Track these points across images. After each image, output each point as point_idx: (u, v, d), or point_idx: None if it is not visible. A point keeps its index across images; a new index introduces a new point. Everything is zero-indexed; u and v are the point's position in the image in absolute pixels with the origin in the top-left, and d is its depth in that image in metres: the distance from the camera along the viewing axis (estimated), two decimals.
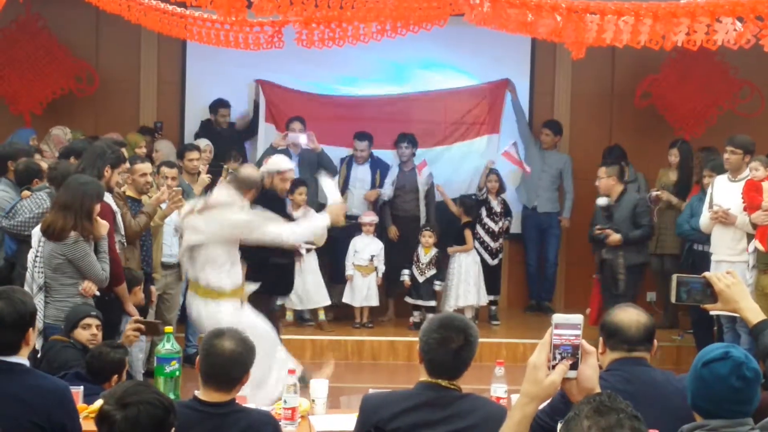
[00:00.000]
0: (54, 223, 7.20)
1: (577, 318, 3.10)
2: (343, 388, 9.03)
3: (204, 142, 11.09)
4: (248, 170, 8.45)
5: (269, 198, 8.64)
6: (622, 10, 5.85)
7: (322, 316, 11.39)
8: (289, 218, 8.99)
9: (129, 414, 3.30)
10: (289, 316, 11.38)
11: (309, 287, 11.09)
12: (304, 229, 8.44)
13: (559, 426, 2.92)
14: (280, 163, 9.06)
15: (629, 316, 4.63)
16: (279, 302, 10.55)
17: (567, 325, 3.08)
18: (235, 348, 4.40)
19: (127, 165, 8.47)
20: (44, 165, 8.83)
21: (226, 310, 7.75)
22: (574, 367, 3.07)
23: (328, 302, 11.29)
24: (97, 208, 7.25)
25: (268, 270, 8.62)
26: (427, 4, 6.34)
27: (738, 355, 3.61)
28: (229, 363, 4.38)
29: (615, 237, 10.04)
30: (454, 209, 11.70)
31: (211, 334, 4.54)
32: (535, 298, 12.49)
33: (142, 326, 6.83)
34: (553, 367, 3.06)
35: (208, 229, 7.85)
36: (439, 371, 4.46)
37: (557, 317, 3.09)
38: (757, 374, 3.62)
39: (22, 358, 4.42)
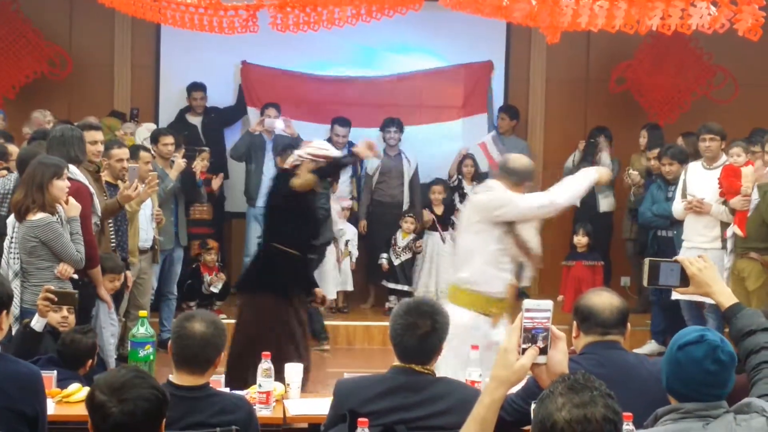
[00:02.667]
0: (14, 199, 7.30)
1: (547, 303, 3.12)
2: (317, 373, 9.02)
3: (144, 133, 10.95)
4: (520, 160, 7.28)
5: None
6: None
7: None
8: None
9: (126, 408, 3.28)
10: None
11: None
12: (575, 187, 7.31)
13: (533, 405, 2.94)
14: (329, 149, 8.04)
15: (603, 299, 4.64)
16: None
17: (537, 309, 3.10)
18: (205, 330, 4.38)
19: (100, 147, 8.38)
20: (14, 148, 8.76)
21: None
22: (544, 352, 3.09)
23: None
24: (56, 182, 7.17)
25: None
26: None
27: (713, 338, 3.61)
28: (200, 345, 4.36)
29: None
30: None
31: (181, 317, 4.53)
32: None
33: (53, 296, 6.59)
34: (523, 351, 3.08)
35: None
36: (409, 356, 4.47)
37: (528, 302, 3.12)
38: (732, 358, 3.63)
39: None
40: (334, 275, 11.23)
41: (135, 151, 9.03)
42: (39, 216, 7.14)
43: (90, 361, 6.14)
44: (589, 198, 11.64)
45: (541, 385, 3.08)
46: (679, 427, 3.56)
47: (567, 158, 11.82)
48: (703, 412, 3.55)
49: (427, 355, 4.47)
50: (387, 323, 4.66)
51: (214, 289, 10.88)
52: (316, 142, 7.87)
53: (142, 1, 8.14)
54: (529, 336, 3.08)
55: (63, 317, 6.61)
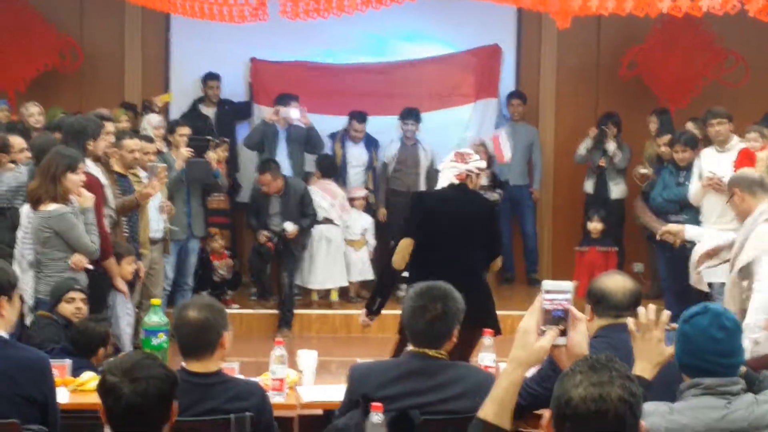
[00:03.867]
0: (30, 187, 7.36)
1: (567, 284, 3.10)
2: (331, 361, 9.02)
3: (156, 119, 10.92)
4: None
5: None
6: None
7: (334, 296, 11.37)
8: None
9: (138, 388, 3.29)
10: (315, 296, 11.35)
11: (329, 265, 11.19)
12: None
13: (557, 383, 2.93)
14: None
15: (616, 282, 4.65)
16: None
17: (557, 290, 3.08)
18: (200, 315, 4.40)
19: (111, 138, 8.41)
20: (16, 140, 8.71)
21: None
22: (563, 333, 3.07)
23: (345, 283, 11.33)
24: (70, 176, 7.20)
25: None
26: None
27: (716, 307, 3.74)
28: (198, 331, 4.38)
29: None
30: None
31: (177, 308, 4.57)
32: (510, 270, 12.44)
33: None
34: (543, 332, 3.06)
35: None
36: (419, 340, 4.47)
37: (547, 283, 3.09)
38: (737, 325, 3.73)
39: None
40: (354, 265, 11.30)
41: (121, 137, 8.95)
42: (52, 207, 7.17)
43: (102, 349, 6.16)
44: (601, 185, 11.67)
45: (561, 367, 3.07)
46: (703, 402, 3.63)
47: (577, 145, 11.81)
48: (722, 387, 3.63)
49: (437, 339, 4.46)
50: (400, 312, 4.66)
51: (223, 273, 10.88)
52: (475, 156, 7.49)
53: None
54: (549, 317, 3.06)
55: (77, 308, 6.66)
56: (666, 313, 3.90)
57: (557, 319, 3.06)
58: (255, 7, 7.93)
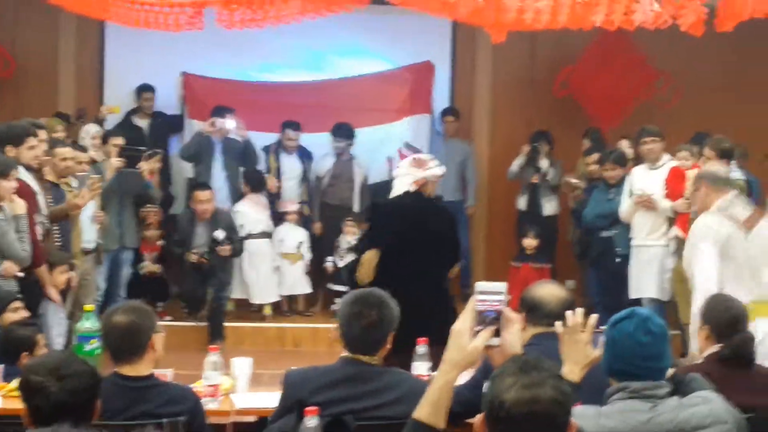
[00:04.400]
0: None
1: (500, 285, 3.12)
2: (263, 373, 8.98)
3: (94, 128, 10.85)
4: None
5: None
6: None
7: (268, 311, 11.34)
8: None
9: (67, 386, 3.28)
10: (231, 306, 11.25)
11: (262, 280, 11.19)
12: None
13: (486, 384, 2.95)
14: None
15: (549, 291, 4.70)
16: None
17: (490, 292, 3.10)
18: (127, 318, 4.38)
19: (44, 146, 8.29)
20: None
21: None
22: (497, 334, 3.10)
23: (277, 297, 11.34)
24: (2, 182, 7.10)
25: None
26: None
27: (642, 312, 3.79)
28: (126, 333, 4.37)
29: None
30: None
31: (107, 312, 4.53)
32: None
33: None
34: (477, 333, 3.08)
35: None
36: (354, 346, 4.47)
37: (480, 285, 3.12)
38: (662, 329, 3.80)
39: None
40: (288, 278, 11.30)
41: (54, 145, 8.87)
42: None
43: (26, 353, 6.08)
44: (534, 202, 11.78)
45: (495, 368, 3.10)
46: (627, 405, 3.66)
47: (512, 160, 11.91)
48: (648, 391, 3.67)
49: (372, 345, 4.46)
50: (334, 325, 4.66)
51: (146, 266, 10.83)
52: (433, 163, 7.42)
53: None
54: (483, 318, 3.08)
55: (22, 318, 6.59)
56: (593, 317, 3.97)
57: (491, 320, 3.09)
58: (191, 15, 7.89)
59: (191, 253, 10.48)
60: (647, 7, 5.46)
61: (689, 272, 7.12)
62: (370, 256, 7.04)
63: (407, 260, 6.98)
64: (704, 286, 6.74)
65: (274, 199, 11.55)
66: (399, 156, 11.86)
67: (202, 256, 10.47)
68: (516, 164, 11.88)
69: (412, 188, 7.15)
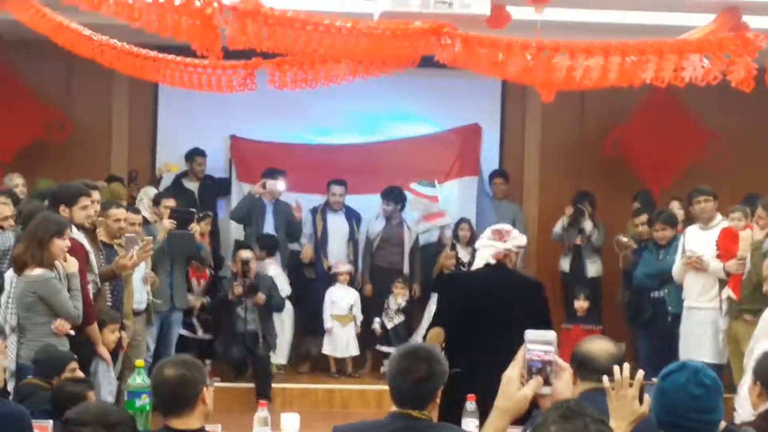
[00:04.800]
0: (15, 252, 7.34)
1: (550, 334, 3.12)
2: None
3: (153, 191, 10.97)
4: None
5: None
6: (592, 49, 5.93)
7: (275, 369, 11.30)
8: None
9: None
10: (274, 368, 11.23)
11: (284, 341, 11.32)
12: None
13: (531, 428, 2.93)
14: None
15: (599, 346, 4.65)
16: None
17: (540, 341, 3.10)
18: (177, 371, 4.37)
19: (96, 206, 8.38)
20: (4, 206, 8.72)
21: None
22: (548, 383, 3.08)
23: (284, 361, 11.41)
24: (56, 241, 7.19)
25: None
26: (399, 43, 6.39)
27: (694, 364, 3.71)
28: (176, 386, 4.33)
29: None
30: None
31: (156, 367, 4.52)
32: None
33: None
34: (526, 382, 3.07)
35: None
36: (403, 400, 4.43)
37: (530, 333, 3.11)
38: (715, 382, 3.72)
39: None
40: (340, 340, 11.38)
41: (108, 207, 8.96)
42: (37, 272, 7.15)
43: None
44: (578, 263, 11.73)
45: None
46: None
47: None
48: None
49: (422, 400, 4.44)
50: (381, 386, 4.64)
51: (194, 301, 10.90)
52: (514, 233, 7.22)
53: (141, 61, 8.19)
54: (533, 367, 3.07)
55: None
56: (641, 372, 3.91)
57: (540, 368, 3.08)
58: (243, 77, 7.99)
59: (237, 285, 10.64)
60: (697, 63, 5.46)
61: None
62: (433, 335, 6.87)
63: (481, 335, 6.71)
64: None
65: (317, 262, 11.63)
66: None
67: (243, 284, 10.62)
68: (559, 225, 11.90)
69: (492, 261, 6.97)
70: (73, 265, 7.35)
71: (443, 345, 6.77)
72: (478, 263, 7.07)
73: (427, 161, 12.57)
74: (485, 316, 6.78)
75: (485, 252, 7.00)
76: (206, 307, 11.06)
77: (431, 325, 7.03)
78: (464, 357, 6.42)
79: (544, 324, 6.85)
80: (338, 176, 11.90)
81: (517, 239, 7.07)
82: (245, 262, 10.68)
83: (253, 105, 11.55)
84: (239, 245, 11.12)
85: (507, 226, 7.30)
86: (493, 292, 6.89)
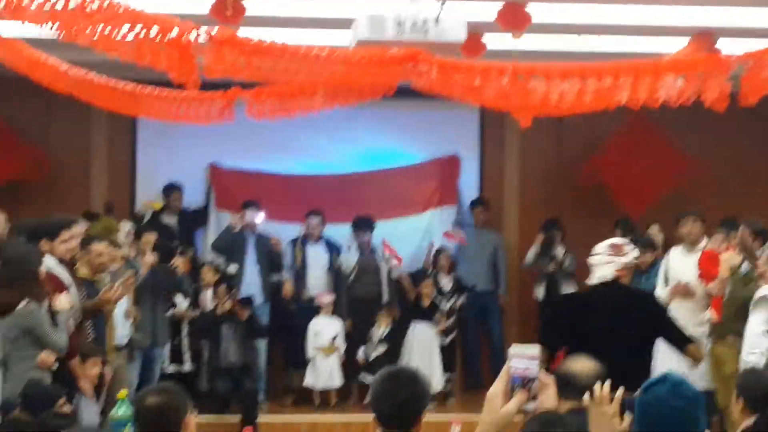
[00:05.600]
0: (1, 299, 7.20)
1: (534, 349, 3.10)
2: None
3: (128, 225, 10.95)
4: None
5: None
6: (567, 72, 5.97)
7: None
8: None
9: None
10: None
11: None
12: None
13: None
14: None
15: (581, 365, 4.67)
16: None
17: (523, 356, 3.08)
18: (159, 398, 4.35)
19: (76, 240, 8.35)
20: None
21: None
22: (532, 398, 3.07)
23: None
24: (42, 271, 7.19)
25: None
26: (375, 70, 6.42)
27: (676, 376, 3.71)
28: (158, 413, 4.32)
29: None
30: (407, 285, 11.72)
31: (138, 396, 4.50)
32: (479, 377, 12.31)
33: None
34: (511, 397, 3.06)
35: None
36: (387, 422, 4.43)
37: (514, 348, 3.10)
38: (696, 395, 3.71)
39: None
40: (323, 371, 11.33)
41: (89, 242, 8.92)
42: (23, 304, 7.12)
43: None
44: (552, 290, 11.79)
45: None
46: None
47: None
48: None
49: (406, 422, 4.44)
50: (366, 417, 4.62)
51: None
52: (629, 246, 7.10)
53: (119, 94, 8.20)
54: (517, 382, 3.06)
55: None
56: (620, 390, 3.90)
57: (524, 383, 3.07)
58: (221, 107, 8.00)
59: (223, 301, 10.75)
60: (672, 84, 5.51)
61: None
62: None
63: (606, 356, 6.51)
64: (749, 358, 6.73)
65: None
66: (447, 237, 12.05)
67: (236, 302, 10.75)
68: (531, 253, 11.99)
69: (610, 278, 6.83)
70: (64, 302, 7.33)
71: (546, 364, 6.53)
72: (598, 279, 6.92)
73: (405, 192, 12.62)
74: (607, 335, 6.59)
75: (605, 269, 6.86)
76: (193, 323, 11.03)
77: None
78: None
79: (683, 338, 6.86)
80: (316, 206, 11.92)
81: (633, 252, 6.99)
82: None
83: (232, 135, 11.57)
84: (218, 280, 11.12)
85: (621, 240, 7.24)
86: (615, 310, 6.76)
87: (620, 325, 6.69)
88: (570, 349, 6.50)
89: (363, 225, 11.79)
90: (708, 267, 9.35)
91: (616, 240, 7.18)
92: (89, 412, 7.85)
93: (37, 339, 7.14)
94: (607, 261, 6.84)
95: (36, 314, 7.14)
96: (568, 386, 4.59)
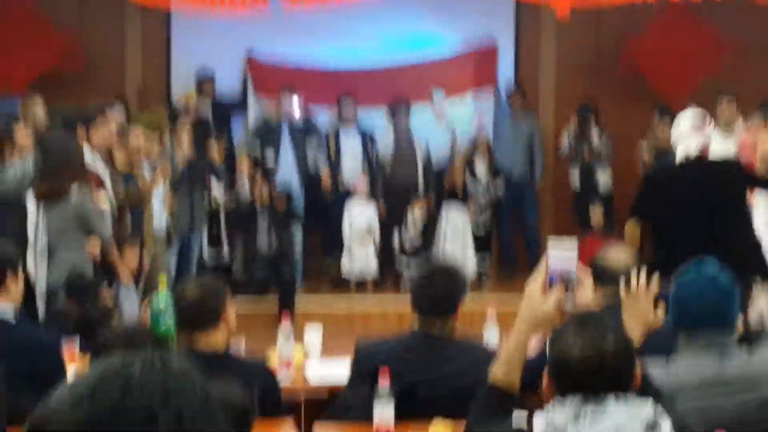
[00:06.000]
0: (50, 188, 7.24)
1: (571, 243, 3.10)
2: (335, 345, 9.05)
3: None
4: None
5: None
6: None
7: None
8: None
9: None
10: None
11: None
12: None
13: (548, 339, 2.96)
14: None
15: (616, 254, 4.69)
16: None
17: (561, 251, 3.07)
18: (199, 289, 4.40)
19: (112, 127, 8.36)
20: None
21: None
22: (570, 294, 3.06)
23: None
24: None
25: None
26: None
27: (711, 269, 3.80)
28: (198, 303, 4.37)
29: None
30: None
31: (178, 288, 4.57)
32: (514, 262, 12.34)
33: None
34: (549, 292, 3.06)
35: None
36: (427, 311, 4.48)
37: (552, 242, 3.10)
38: (730, 287, 3.78)
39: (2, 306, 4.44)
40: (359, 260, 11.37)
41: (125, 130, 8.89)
42: (76, 193, 7.17)
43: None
44: (589, 178, 11.76)
45: None
46: (695, 358, 3.66)
47: None
48: (715, 345, 3.64)
49: (444, 309, 4.49)
50: (402, 302, 4.68)
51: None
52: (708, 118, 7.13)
53: None
54: (555, 278, 3.06)
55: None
56: (655, 279, 3.90)
57: (562, 279, 3.06)
58: None
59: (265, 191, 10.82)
60: None
61: None
62: (630, 229, 6.79)
63: (694, 233, 6.50)
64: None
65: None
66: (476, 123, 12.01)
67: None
68: (566, 139, 11.96)
69: (696, 152, 6.81)
70: (103, 200, 7.41)
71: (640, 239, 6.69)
72: (681, 156, 6.91)
73: (443, 81, 12.45)
74: (696, 206, 6.66)
75: (691, 142, 6.85)
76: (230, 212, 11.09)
77: (630, 215, 6.90)
78: (674, 252, 6.02)
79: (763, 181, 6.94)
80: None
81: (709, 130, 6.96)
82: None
83: (267, 22, 11.46)
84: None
85: (701, 111, 7.16)
86: (698, 184, 6.76)
87: (710, 198, 6.71)
88: (663, 222, 6.66)
89: (400, 108, 11.70)
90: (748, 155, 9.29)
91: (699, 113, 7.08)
92: (129, 299, 7.97)
93: (84, 227, 7.20)
94: (691, 136, 6.83)
95: (88, 202, 7.20)
96: (604, 275, 4.61)
